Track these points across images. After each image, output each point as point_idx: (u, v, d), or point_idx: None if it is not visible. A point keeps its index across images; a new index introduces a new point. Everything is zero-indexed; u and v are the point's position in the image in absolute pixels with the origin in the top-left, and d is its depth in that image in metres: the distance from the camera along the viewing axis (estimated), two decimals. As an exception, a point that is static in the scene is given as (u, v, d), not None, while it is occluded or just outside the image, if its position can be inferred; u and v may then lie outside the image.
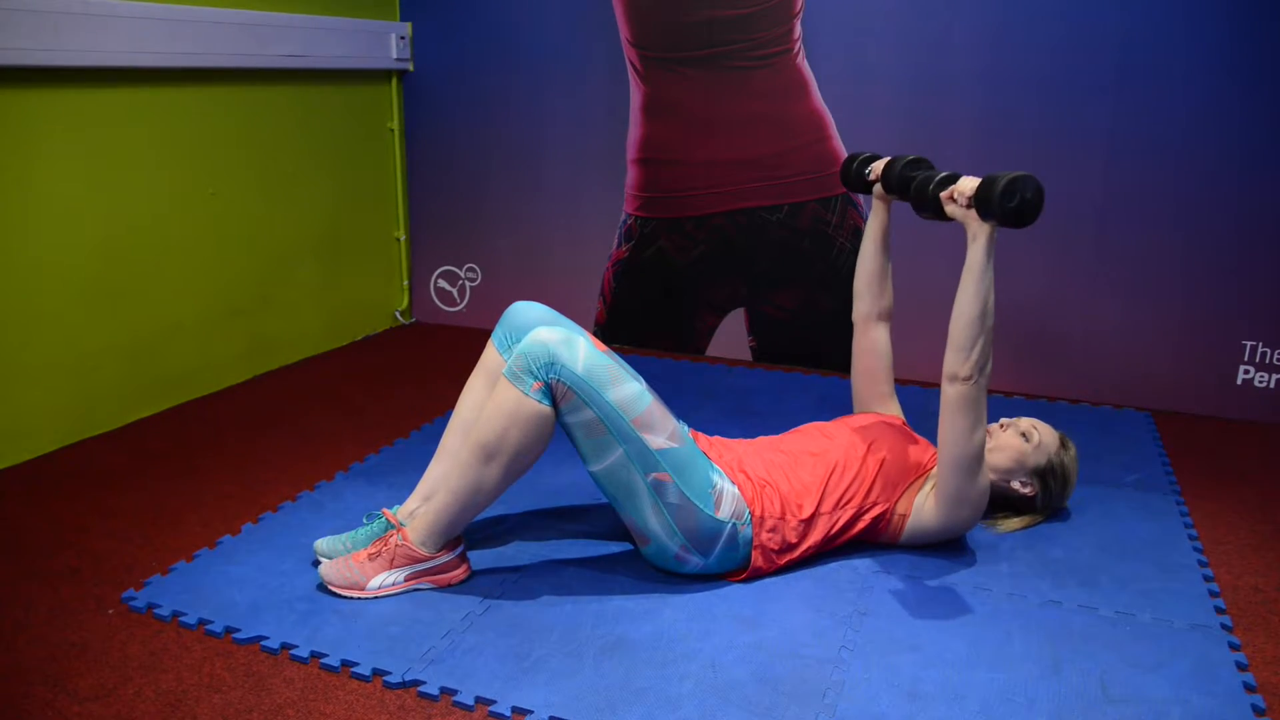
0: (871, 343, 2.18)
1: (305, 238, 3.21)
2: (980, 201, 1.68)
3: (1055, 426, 2.14)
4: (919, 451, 1.94)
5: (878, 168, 2.11)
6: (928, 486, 1.91)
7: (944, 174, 1.81)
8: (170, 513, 2.11)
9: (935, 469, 1.90)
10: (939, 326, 3.01)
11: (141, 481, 2.27)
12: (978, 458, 1.80)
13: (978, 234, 1.71)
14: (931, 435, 2.49)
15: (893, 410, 2.19)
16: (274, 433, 2.58)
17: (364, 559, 1.77)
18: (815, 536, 1.86)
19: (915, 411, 2.76)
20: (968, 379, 1.74)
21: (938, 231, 2.99)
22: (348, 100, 3.31)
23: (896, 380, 3.07)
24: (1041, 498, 2.05)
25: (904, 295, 3.07)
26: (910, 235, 3.02)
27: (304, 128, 3.15)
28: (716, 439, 1.95)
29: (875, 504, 1.89)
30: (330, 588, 1.77)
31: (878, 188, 2.12)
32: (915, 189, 1.84)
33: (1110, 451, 2.51)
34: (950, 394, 1.77)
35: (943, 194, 1.78)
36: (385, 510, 1.88)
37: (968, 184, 1.73)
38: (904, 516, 1.91)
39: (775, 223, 3.16)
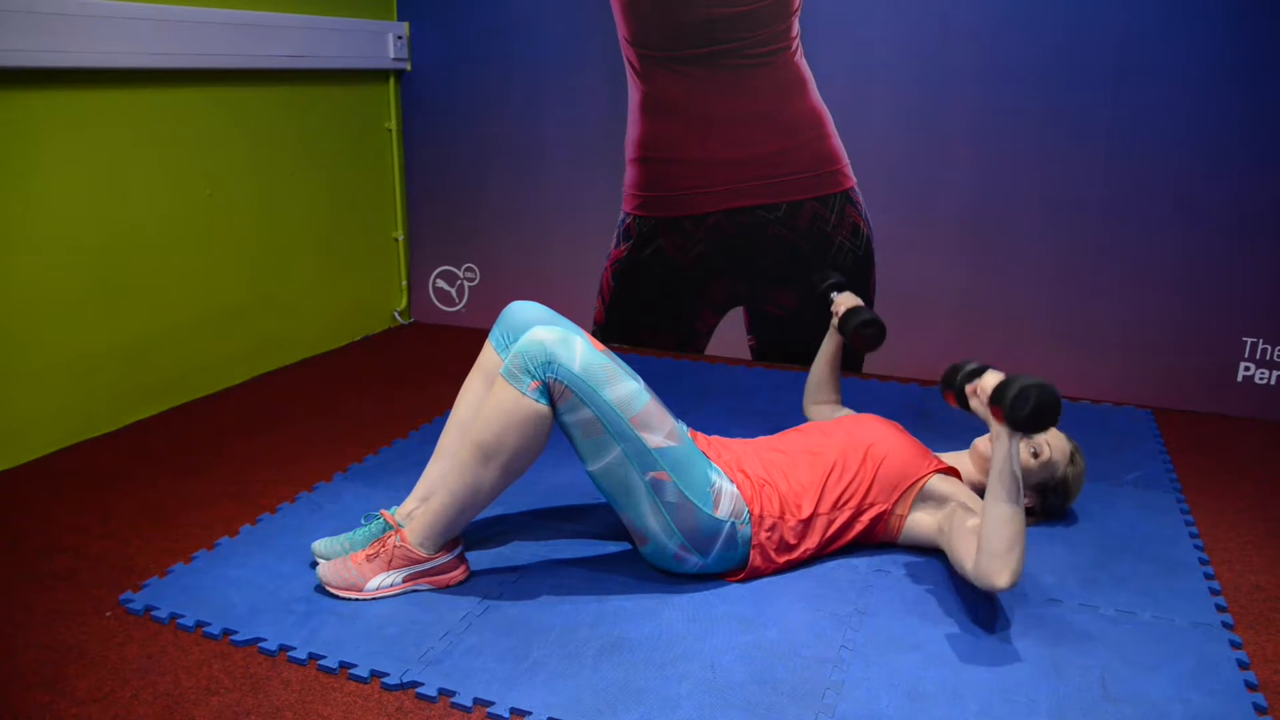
0: (817, 412, 2.41)
1: (304, 238, 3.20)
2: (995, 405, 1.63)
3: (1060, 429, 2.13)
4: (918, 454, 1.93)
5: (839, 306, 2.31)
6: (926, 503, 1.89)
7: (972, 365, 1.76)
8: (168, 514, 2.11)
9: (933, 482, 1.89)
10: (936, 326, 3.03)
11: (140, 483, 2.26)
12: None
13: (1000, 434, 1.64)
14: (928, 436, 2.50)
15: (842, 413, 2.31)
16: (272, 434, 2.57)
17: (362, 560, 1.77)
18: (814, 538, 1.86)
19: (913, 411, 2.76)
20: (1006, 589, 1.62)
21: (935, 230, 3.00)
22: (345, 100, 3.31)
23: (894, 379, 3.08)
24: (1039, 507, 2.05)
25: (901, 295, 3.07)
26: (907, 232, 3.02)
27: (301, 128, 3.14)
28: (715, 438, 1.95)
29: (873, 505, 1.89)
30: (328, 589, 1.77)
31: (835, 322, 2.32)
32: (946, 374, 1.81)
33: (1111, 449, 2.51)
34: (975, 583, 1.67)
35: (968, 388, 1.74)
36: (383, 511, 1.87)
37: (989, 381, 1.69)
38: (901, 517, 1.90)
39: (774, 221, 3.15)
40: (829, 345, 2.38)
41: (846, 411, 2.33)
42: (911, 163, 2.98)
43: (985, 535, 1.63)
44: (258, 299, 3.04)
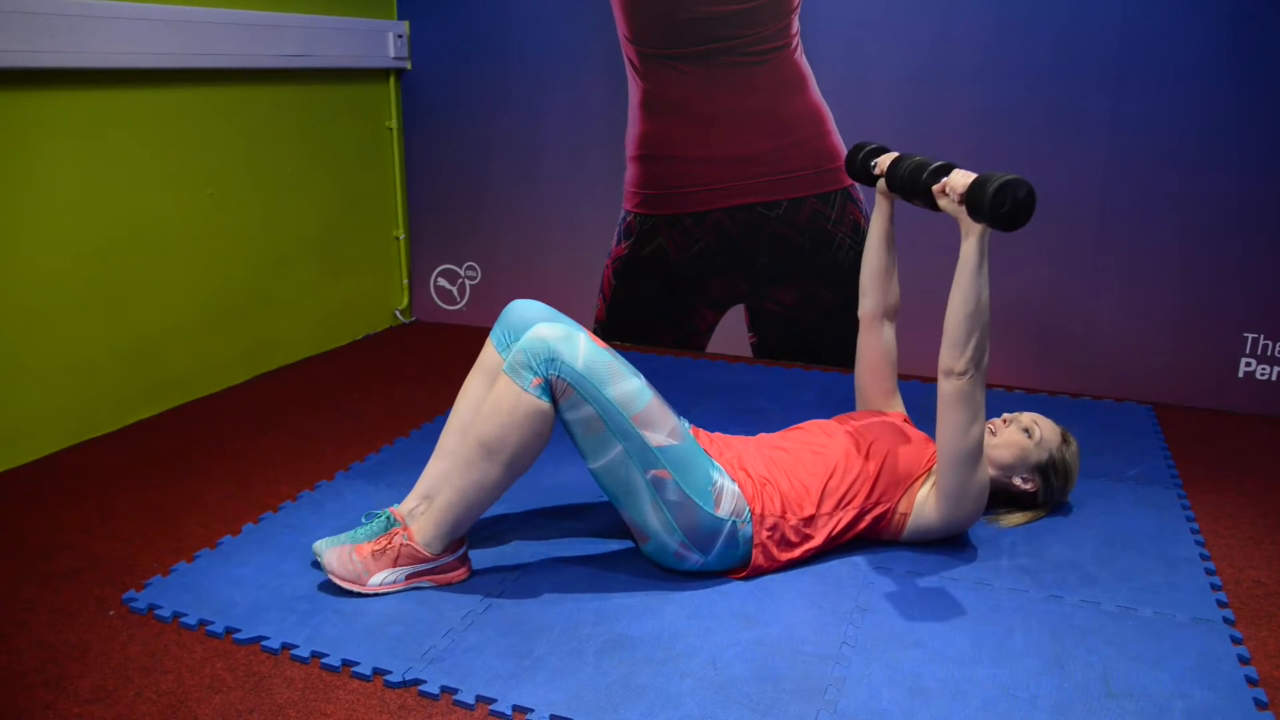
0: (877, 339, 2.17)
1: (304, 237, 3.21)
2: (971, 203, 1.66)
3: (1056, 421, 2.14)
4: (920, 450, 1.94)
5: (883, 163, 2.06)
6: (928, 484, 1.91)
7: (937, 164, 1.79)
8: (171, 514, 2.11)
9: (935, 466, 1.90)
10: (936, 324, 3.01)
11: (142, 483, 2.27)
12: (976, 452, 1.79)
13: (969, 230, 1.71)
14: (933, 431, 2.49)
15: (895, 407, 2.19)
16: (274, 433, 2.58)
17: (368, 554, 1.77)
18: (818, 538, 1.86)
19: (917, 407, 2.76)
20: (963, 374, 1.74)
21: (939, 227, 2.99)
22: (346, 99, 3.31)
23: (899, 377, 3.08)
24: (1043, 493, 2.05)
25: (905, 291, 3.06)
26: (911, 230, 3.02)
27: (302, 127, 3.14)
28: (717, 436, 1.95)
29: (877, 504, 1.89)
30: (331, 577, 1.76)
31: (881, 183, 2.08)
32: (907, 175, 1.82)
33: (1111, 445, 2.51)
34: (946, 389, 1.76)
35: (935, 186, 1.76)
36: (393, 509, 1.87)
37: (960, 179, 1.72)
38: (905, 515, 1.90)
39: (774, 219, 3.15)
40: (879, 222, 2.11)
41: (898, 405, 2.19)
42: (912, 160, 2.97)
43: (948, 326, 1.72)
44: (259, 298, 3.04)
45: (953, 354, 1.74)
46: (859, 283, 2.18)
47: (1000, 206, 1.62)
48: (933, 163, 1.80)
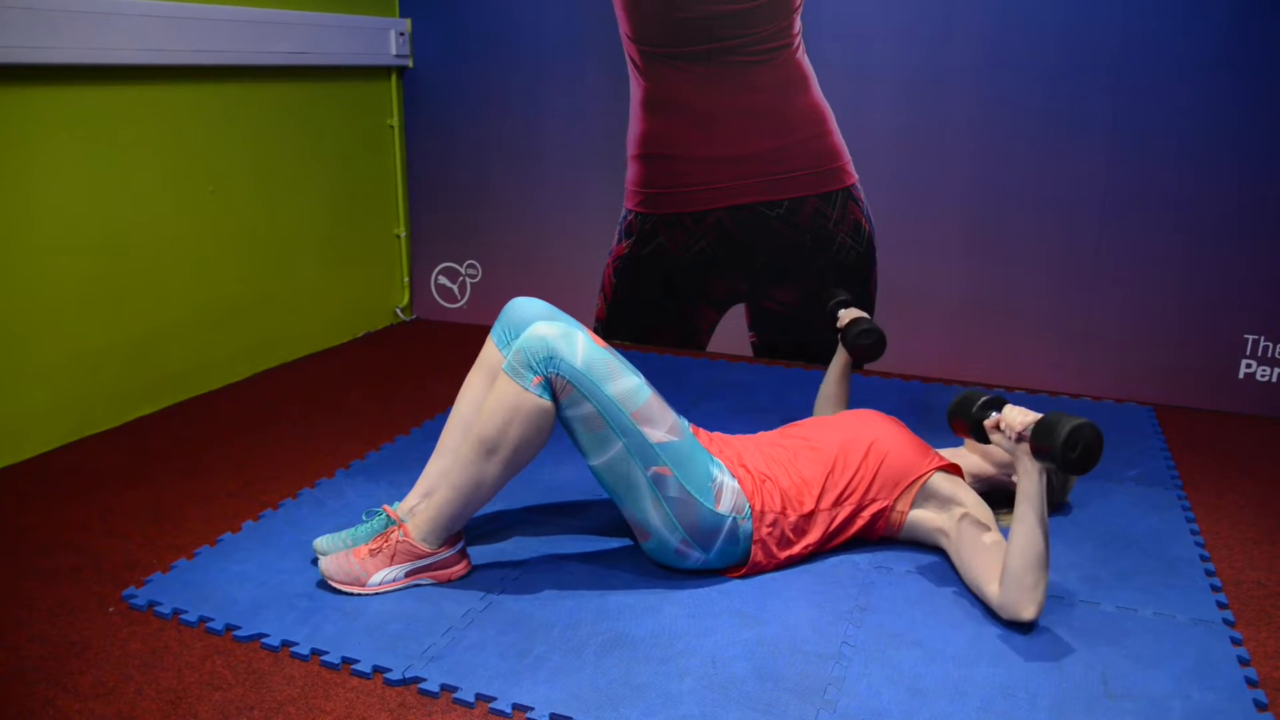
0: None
1: (305, 235, 3.21)
2: (1038, 446, 1.61)
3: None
4: (919, 451, 1.93)
5: (844, 318, 2.38)
6: (927, 501, 1.90)
7: (986, 398, 1.74)
8: (171, 510, 2.11)
9: (935, 479, 1.89)
10: (937, 323, 3.02)
11: (142, 479, 2.27)
12: None
13: (1030, 470, 1.63)
14: (930, 433, 2.50)
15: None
16: (275, 430, 2.58)
17: (365, 555, 1.77)
18: (815, 534, 1.86)
19: (916, 408, 2.77)
20: (1032, 621, 1.65)
21: (936, 226, 3.00)
22: (347, 97, 3.31)
23: (897, 376, 3.08)
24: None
25: (902, 292, 3.07)
26: (908, 229, 3.02)
27: (303, 125, 3.14)
28: (717, 434, 1.95)
29: (874, 501, 1.89)
30: (331, 583, 1.77)
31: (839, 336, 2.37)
32: (955, 408, 1.79)
33: (1112, 446, 2.51)
34: (998, 610, 1.68)
35: (987, 422, 1.72)
36: (386, 506, 1.88)
37: (1015, 417, 1.66)
38: (903, 514, 1.90)
39: (776, 218, 3.15)
40: (837, 361, 2.42)
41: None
42: (913, 160, 2.98)
43: (1013, 568, 1.64)
44: (260, 295, 3.04)
45: (1022, 599, 1.64)
46: (817, 398, 2.45)
47: (1071, 451, 1.57)
48: (980, 396, 1.75)
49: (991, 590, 1.69)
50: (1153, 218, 2.79)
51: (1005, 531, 2.04)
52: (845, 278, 3.11)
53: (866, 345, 2.30)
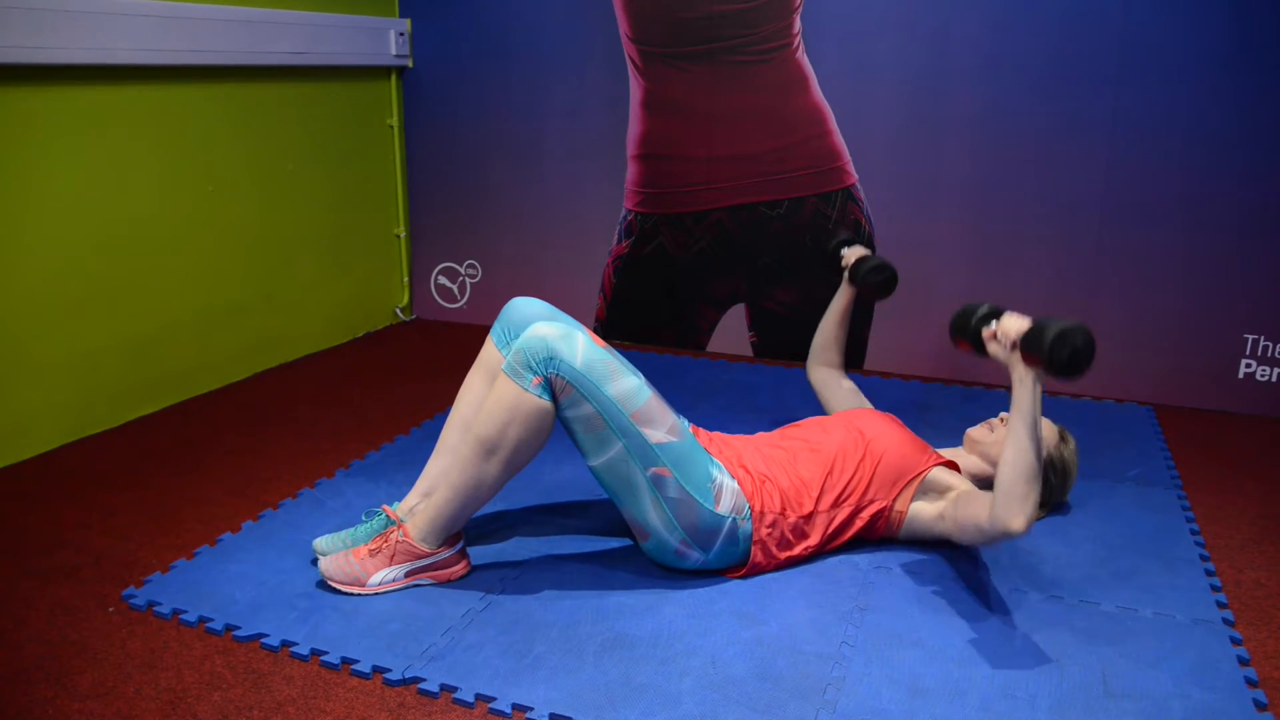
0: (832, 391, 2.36)
1: (305, 235, 3.20)
2: (1029, 348, 1.60)
3: (1055, 421, 2.14)
4: (917, 450, 1.94)
5: (849, 256, 2.30)
6: (926, 495, 1.90)
7: (985, 308, 1.73)
8: (170, 510, 2.11)
9: (933, 474, 1.89)
10: (937, 323, 3.02)
11: (142, 479, 2.27)
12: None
13: (1024, 378, 1.62)
14: (928, 434, 2.50)
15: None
16: (274, 430, 2.58)
17: (365, 555, 1.77)
18: (815, 534, 1.86)
19: (914, 407, 2.76)
20: (1022, 533, 1.62)
21: (936, 226, 2.99)
22: (347, 97, 3.31)
23: (897, 376, 3.08)
24: (1042, 493, 2.04)
25: (903, 291, 3.06)
26: (908, 229, 3.02)
27: (304, 125, 3.14)
28: (716, 434, 1.95)
29: (873, 501, 1.89)
30: (331, 583, 1.77)
31: (845, 275, 2.31)
32: (955, 321, 1.77)
33: (1112, 446, 2.51)
34: (991, 534, 1.67)
35: (985, 331, 1.70)
36: (385, 506, 1.88)
37: (1012, 324, 1.65)
38: (901, 513, 1.90)
39: (776, 218, 3.15)
40: (839, 301, 2.35)
41: (849, 383, 2.36)
42: (913, 159, 2.98)
43: (1005, 478, 1.63)
44: (259, 296, 3.04)
45: (1011, 510, 1.62)
46: (812, 345, 2.39)
47: (1060, 353, 1.54)
48: (980, 307, 1.74)
49: (982, 518, 1.68)
50: (1152, 217, 2.79)
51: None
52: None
53: (878, 282, 2.19)
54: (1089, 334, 1.55)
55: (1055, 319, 1.57)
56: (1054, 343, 1.54)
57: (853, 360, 3.16)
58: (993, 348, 1.70)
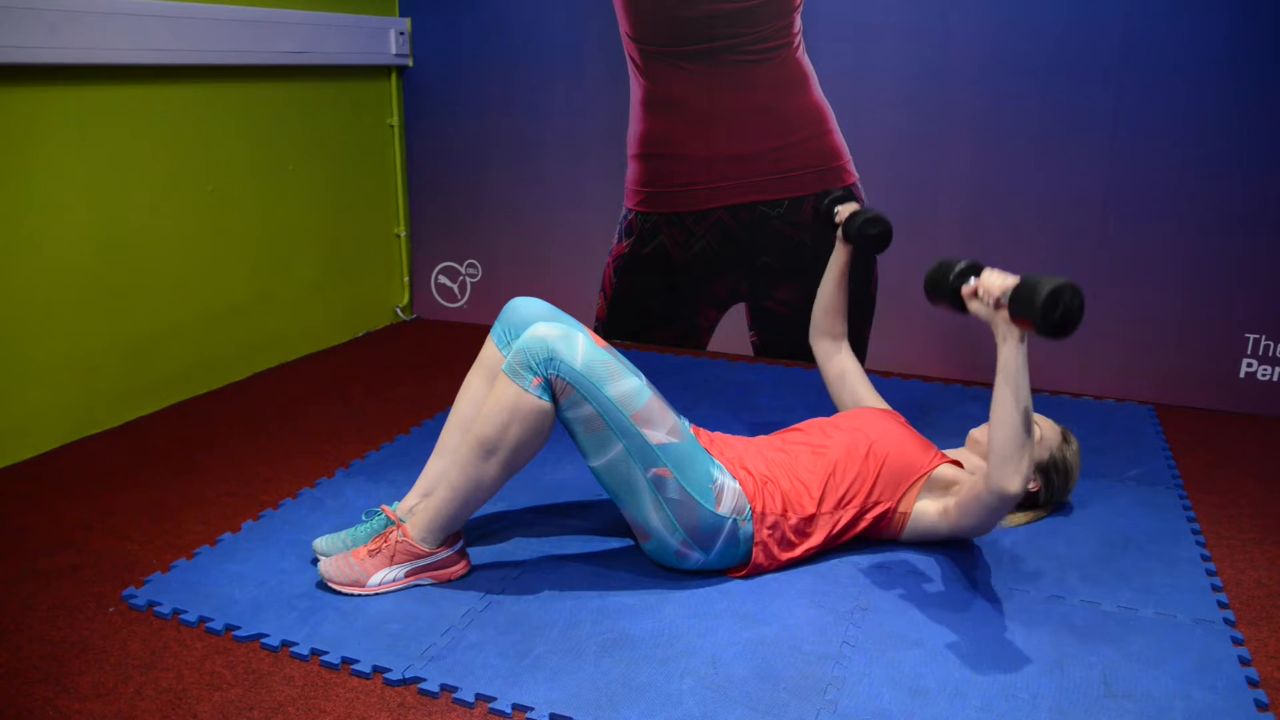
0: (840, 369, 2.27)
1: (305, 234, 3.20)
2: (1018, 308, 1.56)
3: (1057, 421, 2.14)
4: (921, 450, 1.93)
5: (844, 212, 2.22)
6: (930, 493, 1.90)
7: (963, 264, 1.68)
8: (170, 510, 2.11)
9: (938, 472, 1.89)
10: (937, 322, 3.02)
11: (142, 479, 2.27)
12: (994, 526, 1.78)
13: (1008, 335, 1.61)
14: (932, 433, 2.50)
15: (881, 406, 2.20)
16: (274, 430, 2.58)
17: (364, 555, 1.77)
18: (818, 537, 1.86)
19: (917, 407, 2.76)
20: (1019, 494, 1.63)
21: (937, 225, 2.99)
22: (347, 96, 3.31)
23: (898, 376, 3.08)
24: (1044, 493, 2.04)
25: (904, 291, 3.07)
26: (909, 228, 3.02)
27: (304, 124, 3.14)
28: (718, 435, 1.95)
29: (877, 503, 1.89)
30: (330, 585, 1.77)
31: (840, 231, 2.23)
32: (931, 278, 1.71)
33: (1113, 445, 2.50)
34: (990, 501, 1.67)
35: (964, 288, 1.67)
36: (384, 507, 1.88)
37: (994, 281, 1.63)
38: (905, 515, 1.90)
39: (776, 217, 3.15)
40: (836, 261, 2.26)
41: (853, 363, 2.28)
42: (913, 158, 2.97)
43: (996, 441, 1.62)
44: (259, 295, 3.04)
45: (1005, 471, 1.61)
46: (812, 314, 2.30)
47: (1052, 313, 1.50)
48: (957, 263, 1.69)
49: (980, 488, 1.68)
50: (1153, 217, 2.78)
51: (1000, 529, 2.04)
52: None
53: (874, 235, 2.13)
54: (1078, 290, 1.52)
55: (1042, 277, 1.53)
56: (1045, 302, 1.50)
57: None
58: (974, 305, 1.67)
